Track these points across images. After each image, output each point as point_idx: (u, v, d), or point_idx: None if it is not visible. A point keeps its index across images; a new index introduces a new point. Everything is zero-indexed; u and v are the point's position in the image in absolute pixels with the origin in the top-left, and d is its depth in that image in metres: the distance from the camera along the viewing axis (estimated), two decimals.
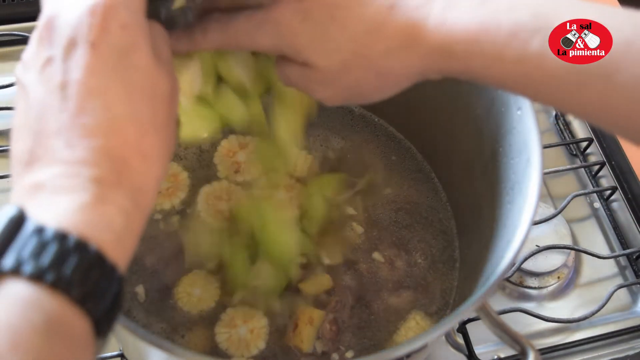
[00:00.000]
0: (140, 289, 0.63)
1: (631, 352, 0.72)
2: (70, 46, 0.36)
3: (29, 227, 0.32)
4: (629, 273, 0.78)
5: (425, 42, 0.42)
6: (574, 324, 0.73)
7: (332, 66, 0.44)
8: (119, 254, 0.34)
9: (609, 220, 0.81)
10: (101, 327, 0.33)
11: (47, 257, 0.31)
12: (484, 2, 0.41)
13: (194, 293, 0.62)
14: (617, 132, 0.44)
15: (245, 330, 0.60)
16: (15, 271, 0.31)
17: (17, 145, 0.37)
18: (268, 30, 0.45)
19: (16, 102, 0.39)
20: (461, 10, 0.42)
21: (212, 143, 0.71)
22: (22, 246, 0.32)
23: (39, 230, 0.32)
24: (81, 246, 0.32)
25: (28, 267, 0.31)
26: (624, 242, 0.80)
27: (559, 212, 0.77)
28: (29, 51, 0.38)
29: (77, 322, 0.32)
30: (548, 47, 0.40)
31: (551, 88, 0.41)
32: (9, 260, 0.31)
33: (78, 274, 0.32)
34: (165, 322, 0.62)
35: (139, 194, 0.37)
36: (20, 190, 0.35)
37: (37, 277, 0.31)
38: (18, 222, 0.32)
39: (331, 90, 0.47)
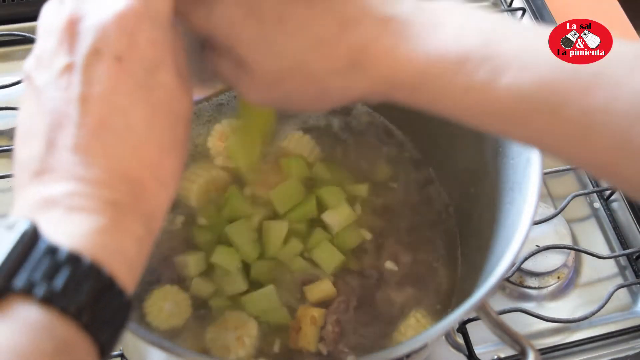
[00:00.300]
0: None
1: (631, 352, 0.72)
2: (94, 56, 0.35)
3: (42, 245, 0.31)
4: (629, 273, 0.78)
5: (372, 70, 0.40)
6: (574, 324, 0.73)
7: (270, 72, 0.41)
8: (129, 280, 0.33)
9: (609, 220, 0.81)
10: (106, 350, 0.32)
11: (59, 281, 0.30)
12: (435, 29, 0.39)
13: (165, 308, 0.61)
14: (567, 163, 0.42)
15: (233, 336, 0.60)
16: (26, 292, 0.30)
17: (25, 151, 0.35)
18: (203, 11, 0.41)
19: (24, 99, 0.36)
20: (410, 39, 0.39)
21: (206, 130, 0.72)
22: (35, 266, 0.30)
23: (52, 251, 0.31)
24: (94, 272, 0.31)
25: (40, 290, 0.30)
26: (624, 242, 0.80)
27: (559, 212, 0.77)
28: (44, 48, 0.36)
29: (84, 345, 0.31)
30: (495, 76, 0.38)
31: (497, 119, 0.40)
32: (20, 280, 0.30)
33: (90, 300, 0.31)
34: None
35: (151, 219, 0.35)
36: (29, 201, 0.33)
37: (48, 300, 0.30)
38: (31, 238, 0.31)
39: (262, 94, 0.43)
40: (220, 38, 0.41)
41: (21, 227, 0.31)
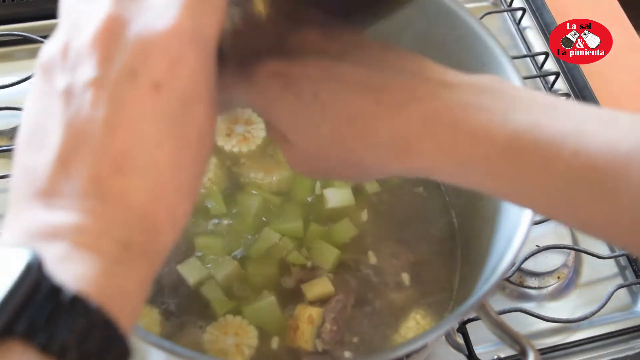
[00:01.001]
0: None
1: (631, 352, 0.72)
2: (129, 77, 0.31)
3: (46, 284, 0.27)
4: (629, 273, 0.78)
5: (413, 152, 0.38)
6: (574, 324, 0.73)
7: (310, 148, 0.40)
8: (129, 325, 0.31)
9: None
10: None
11: (62, 329, 0.27)
12: (479, 111, 0.37)
13: None
14: (624, 248, 0.40)
15: (232, 342, 0.59)
16: (26, 338, 0.27)
17: (31, 158, 0.31)
18: (245, 89, 0.40)
19: (36, 93, 0.32)
20: (454, 123, 0.37)
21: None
22: (37, 308, 0.27)
23: (56, 291, 0.27)
24: (98, 319, 0.28)
25: (42, 339, 0.27)
26: None
27: None
28: (73, 40, 0.31)
29: None
30: (547, 163, 0.36)
31: (545, 201, 0.38)
32: (22, 324, 0.27)
33: (91, 351, 0.28)
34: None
35: (156, 261, 0.33)
36: (30, 224, 0.30)
37: (48, 350, 0.27)
38: (35, 275, 0.27)
39: (304, 167, 0.43)
40: (263, 113, 0.41)
41: (24, 258, 0.28)
